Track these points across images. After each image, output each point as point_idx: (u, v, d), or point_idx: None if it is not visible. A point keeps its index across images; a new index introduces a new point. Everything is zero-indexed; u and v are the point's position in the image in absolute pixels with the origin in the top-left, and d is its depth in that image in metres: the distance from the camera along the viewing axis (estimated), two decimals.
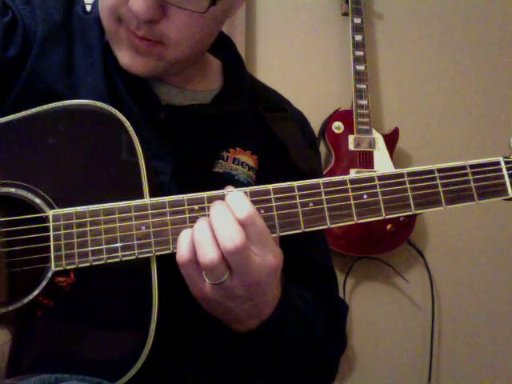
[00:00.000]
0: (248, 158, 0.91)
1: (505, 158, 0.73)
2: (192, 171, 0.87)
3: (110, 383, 0.67)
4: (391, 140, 2.02)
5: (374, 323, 2.10)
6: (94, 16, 0.89)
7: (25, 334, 0.70)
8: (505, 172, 0.72)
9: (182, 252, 0.67)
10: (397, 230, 1.94)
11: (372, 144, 1.98)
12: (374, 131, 1.99)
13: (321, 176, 0.94)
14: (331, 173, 1.95)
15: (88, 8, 0.91)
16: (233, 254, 0.65)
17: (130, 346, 0.70)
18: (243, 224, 0.66)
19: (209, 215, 0.68)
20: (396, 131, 2.04)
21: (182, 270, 0.68)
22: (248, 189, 0.70)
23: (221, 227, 0.66)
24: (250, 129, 0.95)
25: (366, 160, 1.97)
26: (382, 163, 1.97)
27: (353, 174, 1.94)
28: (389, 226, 1.93)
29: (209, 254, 0.65)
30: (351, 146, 1.98)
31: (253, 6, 2.11)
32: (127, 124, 0.74)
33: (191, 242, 0.67)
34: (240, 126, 0.94)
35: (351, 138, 1.98)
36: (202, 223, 0.68)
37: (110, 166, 0.74)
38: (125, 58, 0.80)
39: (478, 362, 2.17)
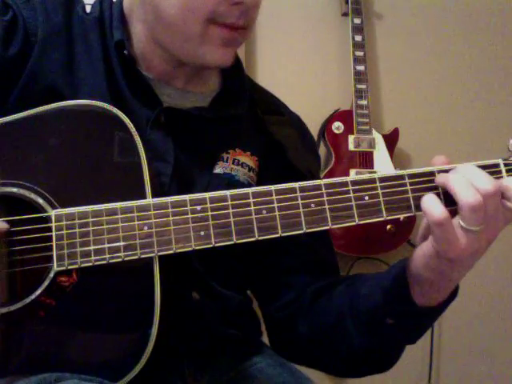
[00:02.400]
0: (248, 159, 0.91)
1: (504, 160, 0.73)
2: (192, 172, 0.87)
3: (111, 383, 0.67)
4: (391, 140, 2.02)
5: None
6: (95, 16, 0.89)
7: (27, 334, 0.71)
8: (504, 174, 0.72)
9: (439, 210, 0.66)
10: (397, 230, 1.94)
11: (372, 144, 1.98)
12: (373, 131, 1.99)
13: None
14: (331, 173, 1.95)
15: (88, 9, 0.91)
16: (492, 196, 0.66)
17: (132, 346, 0.70)
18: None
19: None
20: (396, 131, 2.04)
21: (440, 228, 0.66)
22: (250, 189, 0.70)
23: (476, 176, 0.67)
24: (250, 131, 0.95)
25: (366, 160, 1.97)
26: (382, 163, 1.97)
27: (353, 174, 1.94)
28: (389, 227, 1.93)
29: (475, 195, 0.65)
30: (351, 147, 1.97)
31: None
32: (130, 124, 0.74)
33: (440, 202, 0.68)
34: (240, 128, 0.94)
35: (351, 139, 1.98)
36: (455, 175, 0.68)
37: (112, 166, 0.74)
38: (216, 55, 0.82)
39: (477, 362, 2.17)
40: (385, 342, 0.80)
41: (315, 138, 1.98)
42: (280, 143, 0.93)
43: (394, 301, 0.75)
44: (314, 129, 1.97)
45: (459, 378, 2.15)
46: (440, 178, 0.70)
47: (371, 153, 1.98)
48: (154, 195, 0.72)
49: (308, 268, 0.93)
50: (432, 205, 0.67)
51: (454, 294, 0.77)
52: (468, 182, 0.67)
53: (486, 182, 0.66)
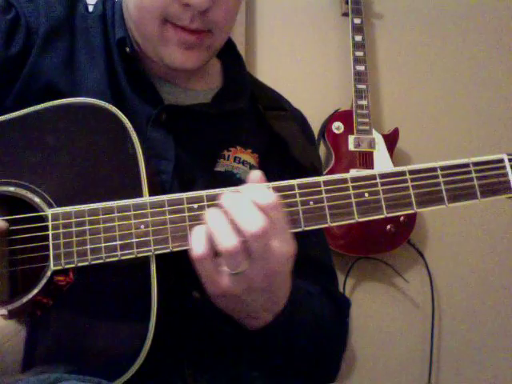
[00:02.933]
0: (249, 157, 0.91)
1: (508, 155, 0.72)
2: (194, 170, 0.87)
3: (109, 383, 0.67)
4: (391, 140, 2.02)
5: (373, 323, 2.10)
6: (97, 15, 0.89)
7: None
8: (508, 169, 0.71)
9: (198, 246, 0.65)
10: (397, 230, 1.94)
11: (372, 144, 1.98)
12: (373, 131, 1.99)
13: (321, 174, 0.94)
14: (331, 173, 1.93)
15: (90, 8, 0.91)
16: (256, 238, 0.63)
17: (129, 345, 0.70)
18: (265, 210, 0.64)
19: (218, 207, 0.67)
20: (396, 131, 2.04)
21: (198, 266, 0.66)
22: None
23: (241, 213, 0.64)
24: (251, 128, 0.95)
25: (366, 160, 1.96)
26: (382, 163, 1.97)
27: None
28: (389, 226, 1.93)
29: (230, 240, 0.63)
30: (351, 147, 1.97)
31: (253, 6, 2.11)
32: (127, 123, 0.74)
33: (206, 236, 0.65)
34: (241, 125, 0.94)
35: (351, 139, 1.98)
36: (214, 213, 0.66)
37: (110, 164, 0.74)
38: (176, 56, 0.82)
39: (478, 361, 2.17)
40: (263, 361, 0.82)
41: (315, 138, 2.00)
42: (282, 138, 0.93)
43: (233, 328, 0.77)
44: (314, 129, 1.96)
45: (459, 378, 2.14)
46: (206, 214, 0.67)
47: (371, 153, 1.98)
48: (154, 194, 0.71)
49: (299, 269, 0.93)
50: (195, 239, 0.66)
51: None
52: (228, 222, 0.64)
53: (254, 221, 0.63)
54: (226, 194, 0.67)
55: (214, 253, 0.65)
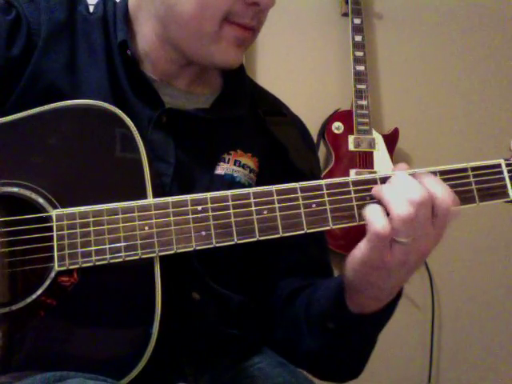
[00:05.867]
0: (249, 160, 0.91)
1: (505, 160, 0.73)
2: (193, 173, 0.87)
3: (114, 381, 0.67)
4: (391, 140, 2.02)
5: None
6: (98, 16, 0.89)
7: (28, 334, 0.70)
8: (506, 175, 0.72)
9: (385, 223, 0.66)
10: None
11: (372, 144, 1.98)
12: (373, 131, 1.99)
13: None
14: (331, 173, 1.95)
15: (91, 9, 0.91)
16: (422, 206, 0.65)
17: (133, 345, 0.70)
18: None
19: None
20: (396, 131, 2.04)
21: (380, 240, 0.66)
22: (251, 190, 0.70)
23: (408, 187, 0.66)
24: (251, 132, 0.95)
25: (366, 160, 1.97)
26: (382, 163, 1.97)
27: (353, 174, 1.94)
28: None
29: (407, 208, 0.65)
30: (351, 147, 1.98)
31: None
32: (131, 125, 0.74)
33: (382, 212, 0.67)
34: (241, 129, 0.94)
35: (351, 139, 1.98)
36: (390, 185, 0.69)
37: (114, 166, 0.74)
38: (229, 54, 0.84)
39: (478, 362, 2.17)
40: (332, 346, 0.82)
41: (315, 138, 2.00)
42: (281, 144, 0.94)
43: (333, 306, 0.77)
44: (314, 129, 1.97)
45: (459, 378, 2.15)
46: (375, 189, 0.70)
47: (371, 153, 1.98)
48: (155, 196, 0.72)
49: (299, 269, 0.94)
50: (376, 216, 0.67)
51: (394, 303, 0.77)
52: (399, 193, 0.66)
53: (416, 192, 0.66)
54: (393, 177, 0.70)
55: None
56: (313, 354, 0.85)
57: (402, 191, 0.66)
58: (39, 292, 0.69)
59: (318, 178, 0.98)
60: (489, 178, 0.73)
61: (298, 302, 0.87)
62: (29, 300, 0.69)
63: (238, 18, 0.81)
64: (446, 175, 0.73)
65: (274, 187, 0.70)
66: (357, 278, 0.72)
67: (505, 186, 0.74)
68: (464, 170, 0.73)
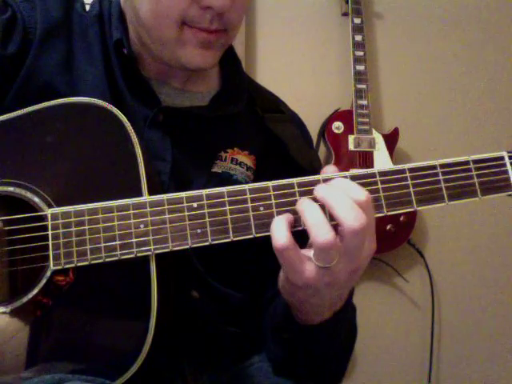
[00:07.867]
0: (246, 158, 0.91)
1: (509, 152, 0.71)
2: (191, 171, 0.87)
3: (112, 383, 0.67)
4: (391, 140, 2.02)
5: (373, 323, 2.10)
6: (94, 15, 0.89)
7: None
8: (509, 167, 0.71)
9: (281, 237, 0.63)
10: (397, 230, 1.94)
11: (372, 144, 1.98)
12: (373, 131, 1.99)
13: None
14: None
15: (87, 8, 0.91)
16: (355, 234, 0.62)
17: (129, 344, 0.70)
18: (362, 207, 0.63)
19: (313, 199, 0.66)
20: (396, 131, 2.04)
21: (281, 255, 0.64)
22: (247, 186, 0.70)
23: (342, 208, 0.62)
24: (248, 130, 0.95)
25: (366, 160, 1.96)
26: (382, 163, 1.96)
27: None
28: (389, 226, 1.93)
29: (326, 235, 0.61)
30: (351, 146, 1.97)
31: (253, 6, 2.11)
32: (127, 123, 0.74)
33: (287, 225, 0.64)
34: (238, 127, 0.94)
35: (351, 138, 1.98)
36: (311, 205, 0.65)
37: (109, 164, 0.74)
38: (195, 57, 0.82)
39: (478, 362, 2.17)
40: (294, 354, 0.81)
41: (315, 137, 2.00)
42: (280, 139, 0.93)
43: (283, 318, 0.77)
44: (314, 129, 1.97)
45: (459, 378, 2.14)
46: (300, 205, 0.66)
47: (371, 153, 1.97)
48: (153, 194, 0.71)
49: None
50: (276, 229, 0.64)
51: (345, 309, 0.75)
52: (324, 218, 0.63)
53: (357, 217, 0.62)
54: (321, 187, 0.66)
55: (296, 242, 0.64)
56: (280, 360, 0.85)
57: (333, 210, 0.63)
58: (35, 291, 0.69)
59: (318, 171, 0.98)
60: (491, 170, 0.72)
61: (270, 307, 0.87)
62: (25, 299, 0.69)
63: (195, 23, 0.79)
64: (448, 168, 0.71)
65: (270, 183, 0.69)
66: (286, 295, 0.72)
67: (508, 179, 0.72)
68: (466, 162, 0.72)
